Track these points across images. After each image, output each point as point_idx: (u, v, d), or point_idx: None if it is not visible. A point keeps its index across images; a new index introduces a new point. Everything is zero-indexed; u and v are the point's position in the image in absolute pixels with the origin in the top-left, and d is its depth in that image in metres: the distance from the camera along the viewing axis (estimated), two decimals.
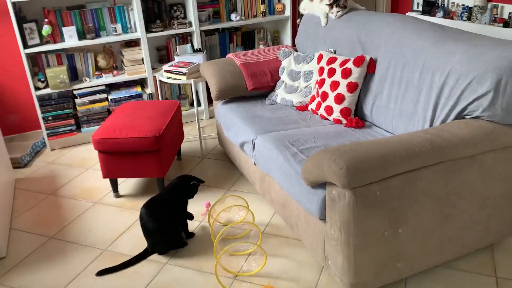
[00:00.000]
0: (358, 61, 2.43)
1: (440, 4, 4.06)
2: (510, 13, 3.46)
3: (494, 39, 1.94)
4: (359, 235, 1.70)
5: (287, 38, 4.13)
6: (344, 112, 2.48)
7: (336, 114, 2.51)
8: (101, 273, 2.15)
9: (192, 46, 3.63)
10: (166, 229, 2.22)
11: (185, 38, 3.80)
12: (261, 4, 3.95)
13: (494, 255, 2.10)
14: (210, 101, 4.00)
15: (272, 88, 2.99)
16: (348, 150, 1.66)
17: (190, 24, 3.70)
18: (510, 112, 1.78)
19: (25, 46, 3.25)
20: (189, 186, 2.28)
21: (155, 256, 2.25)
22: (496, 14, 3.58)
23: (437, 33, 2.12)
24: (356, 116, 2.51)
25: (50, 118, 3.45)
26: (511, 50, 1.77)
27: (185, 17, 3.79)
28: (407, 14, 4.31)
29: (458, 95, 1.91)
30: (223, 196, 2.73)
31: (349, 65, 2.46)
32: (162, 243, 2.25)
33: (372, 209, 1.66)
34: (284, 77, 2.93)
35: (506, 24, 3.47)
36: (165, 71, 3.26)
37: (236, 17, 3.85)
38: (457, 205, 1.84)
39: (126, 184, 2.96)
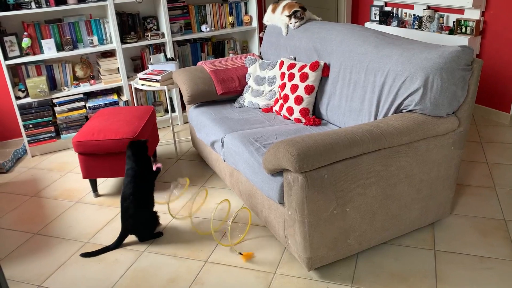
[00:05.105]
0: (314, 66, 2.72)
1: (394, 14, 4.43)
2: (454, 21, 3.83)
3: (423, 43, 2.26)
4: (312, 214, 1.96)
5: (255, 47, 4.41)
6: (303, 112, 2.76)
7: (296, 114, 2.78)
8: (85, 255, 2.38)
9: (165, 55, 3.87)
10: (144, 207, 2.43)
11: (159, 48, 4.03)
12: (230, 16, 4.23)
13: (434, 232, 2.40)
14: (184, 108, 4.24)
15: (240, 93, 3.26)
16: (299, 140, 1.93)
17: (163, 35, 3.94)
18: (438, 105, 2.09)
19: (6, 58, 3.43)
20: (143, 144, 2.48)
21: (133, 246, 2.47)
22: (442, 23, 3.95)
23: (378, 39, 2.44)
24: (314, 115, 2.80)
25: (30, 126, 3.63)
26: (435, 52, 2.09)
27: (158, 29, 4.03)
28: (365, 24, 4.66)
29: (396, 92, 2.21)
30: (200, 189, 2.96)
31: (306, 70, 2.75)
32: (141, 224, 2.44)
33: (321, 190, 1.93)
34: (250, 82, 3.20)
35: (451, 31, 3.84)
36: (140, 78, 3.49)
37: (206, 28, 4.11)
38: (397, 186, 2.13)
39: (105, 185, 3.17)
